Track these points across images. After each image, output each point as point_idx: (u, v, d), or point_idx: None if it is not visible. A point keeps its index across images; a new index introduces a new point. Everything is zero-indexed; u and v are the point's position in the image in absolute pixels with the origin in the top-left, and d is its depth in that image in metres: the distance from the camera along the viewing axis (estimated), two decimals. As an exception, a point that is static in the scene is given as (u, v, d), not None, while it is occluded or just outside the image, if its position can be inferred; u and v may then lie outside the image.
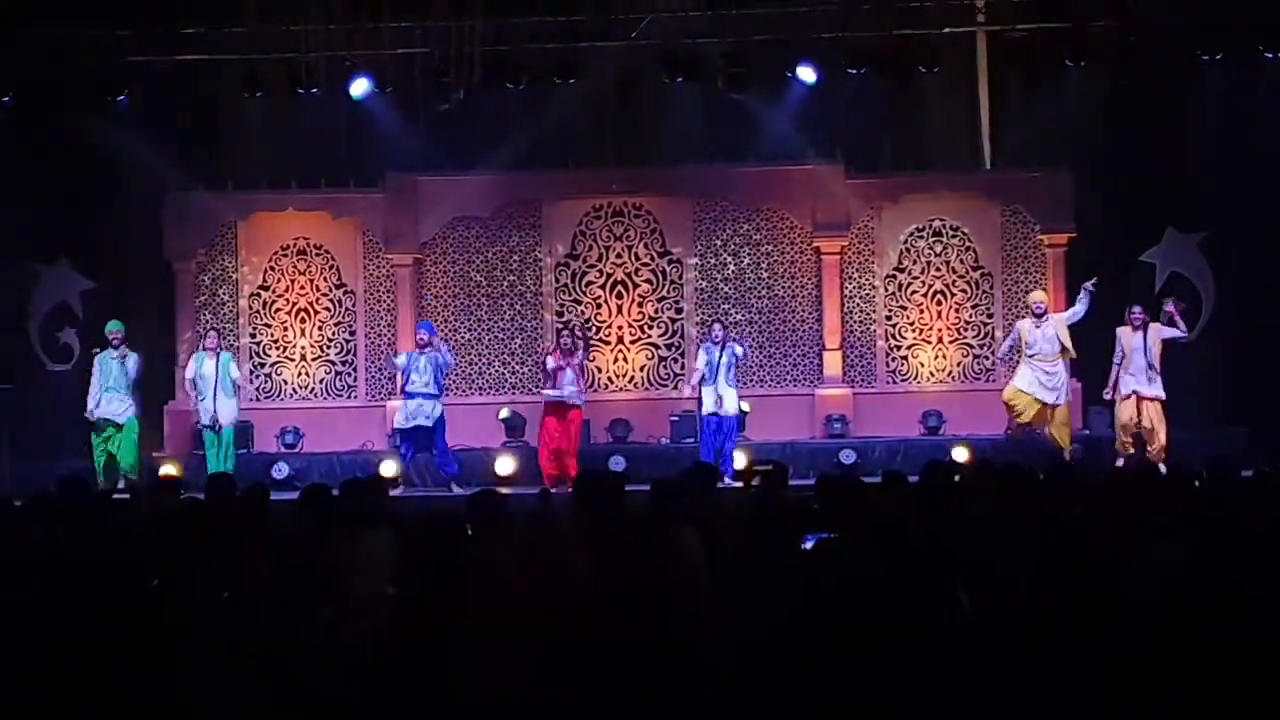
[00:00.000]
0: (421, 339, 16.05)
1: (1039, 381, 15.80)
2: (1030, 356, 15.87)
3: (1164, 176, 17.48)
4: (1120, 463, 15.27)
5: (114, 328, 16.10)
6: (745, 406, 16.47)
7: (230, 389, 16.08)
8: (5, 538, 7.32)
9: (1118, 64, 17.20)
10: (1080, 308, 15.94)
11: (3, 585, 6.08)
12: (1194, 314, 17.04)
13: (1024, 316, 16.33)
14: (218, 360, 16.10)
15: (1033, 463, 10.00)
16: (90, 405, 15.90)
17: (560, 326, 17.03)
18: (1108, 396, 15.76)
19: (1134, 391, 15.48)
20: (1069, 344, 15.89)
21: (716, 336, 16.06)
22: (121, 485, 15.37)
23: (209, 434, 16.02)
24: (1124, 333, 15.60)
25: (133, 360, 16.05)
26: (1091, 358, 16.34)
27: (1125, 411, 15.56)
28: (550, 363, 16.04)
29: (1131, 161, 17.43)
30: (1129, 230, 17.75)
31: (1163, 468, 14.76)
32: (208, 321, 17.85)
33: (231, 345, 17.40)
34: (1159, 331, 15.61)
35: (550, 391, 15.94)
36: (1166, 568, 5.68)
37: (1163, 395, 15.48)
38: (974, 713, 4.32)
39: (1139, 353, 15.48)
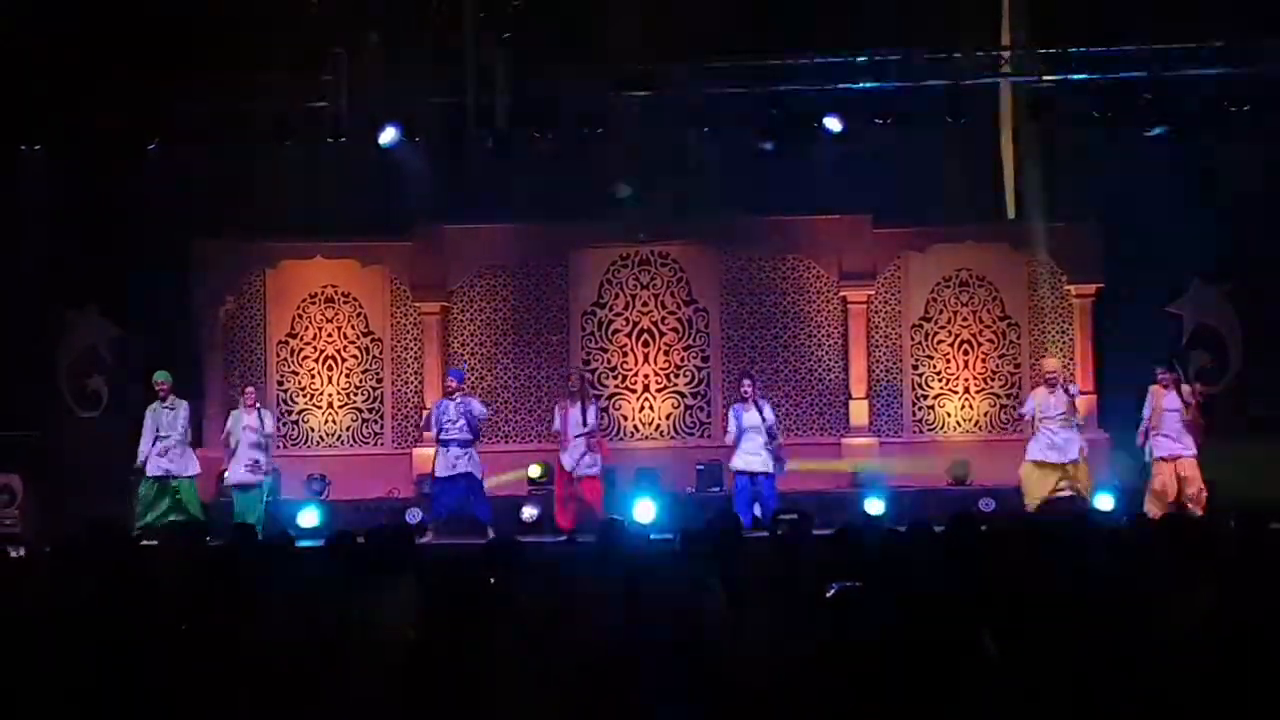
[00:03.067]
0: (450, 385, 16.05)
1: (1048, 444, 15.67)
2: (1043, 419, 15.78)
3: (1191, 227, 17.40)
4: (1155, 513, 15.14)
5: (160, 377, 15.87)
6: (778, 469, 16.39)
7: (263, 444, 16.02)
8: (34, 585, 7.34)
9: (1144, 113, 17.16)
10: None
11: (32, 632, 6.09)
12: (1220, 366, 16.97)
13: (1039, 384, 16.26)
14: (258, 414, 16.07)
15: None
16: (140, 459, 15.76)
17: (570, 373, 17.01)
18: (1139, 444, 15.63)
19: (1171, 455, 15.34)
20: (1073, 413, 15.78)
21: (746, 392, 15.95)
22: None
23: (241, 488, 15.98)
24: (1156, 392, 15.46)
25: (184, 409, 15.91)
26: (1119, 409, 16.29)
27: (1162, 477, 15.38)
28: (556, 421, 16.06)
29: (1159, 212, 17.36)
30: (1156, 281, 17.70)
31: (1199, 511, 14.73)
32: (236, 369, 17.94)
33: (259, 393, 17.39)
34: (1187, 395, 15.50)
35: (564, 458, 15.93)
36: (1194, 618, 5.65)
37: (1195, 451, 15.34)
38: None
39: (1173, 414, 15.35)
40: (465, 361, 17.92)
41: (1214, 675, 4.80)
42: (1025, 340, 17.99)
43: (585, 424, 15.81)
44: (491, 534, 15.19)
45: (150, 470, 15.68)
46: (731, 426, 15.92)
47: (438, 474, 15.83)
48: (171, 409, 15.79)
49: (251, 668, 5.79)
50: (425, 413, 16.58)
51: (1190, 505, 15.11)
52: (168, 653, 5.80)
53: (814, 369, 18.23)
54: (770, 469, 15.70)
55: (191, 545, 8.89)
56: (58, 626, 6.12)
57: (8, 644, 5.86)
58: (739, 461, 15.78)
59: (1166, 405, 15.37)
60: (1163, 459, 15.41)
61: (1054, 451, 15.63)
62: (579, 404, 15.94)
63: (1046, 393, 15.87)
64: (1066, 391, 15.76)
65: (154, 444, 15.69)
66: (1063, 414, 15.70)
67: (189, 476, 15.79)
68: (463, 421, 15.69)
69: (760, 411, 15.78)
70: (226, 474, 16.14)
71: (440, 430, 15.79)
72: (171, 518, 15.48)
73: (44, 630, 6.08)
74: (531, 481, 17.13)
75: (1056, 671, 4.67)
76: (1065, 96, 17.47)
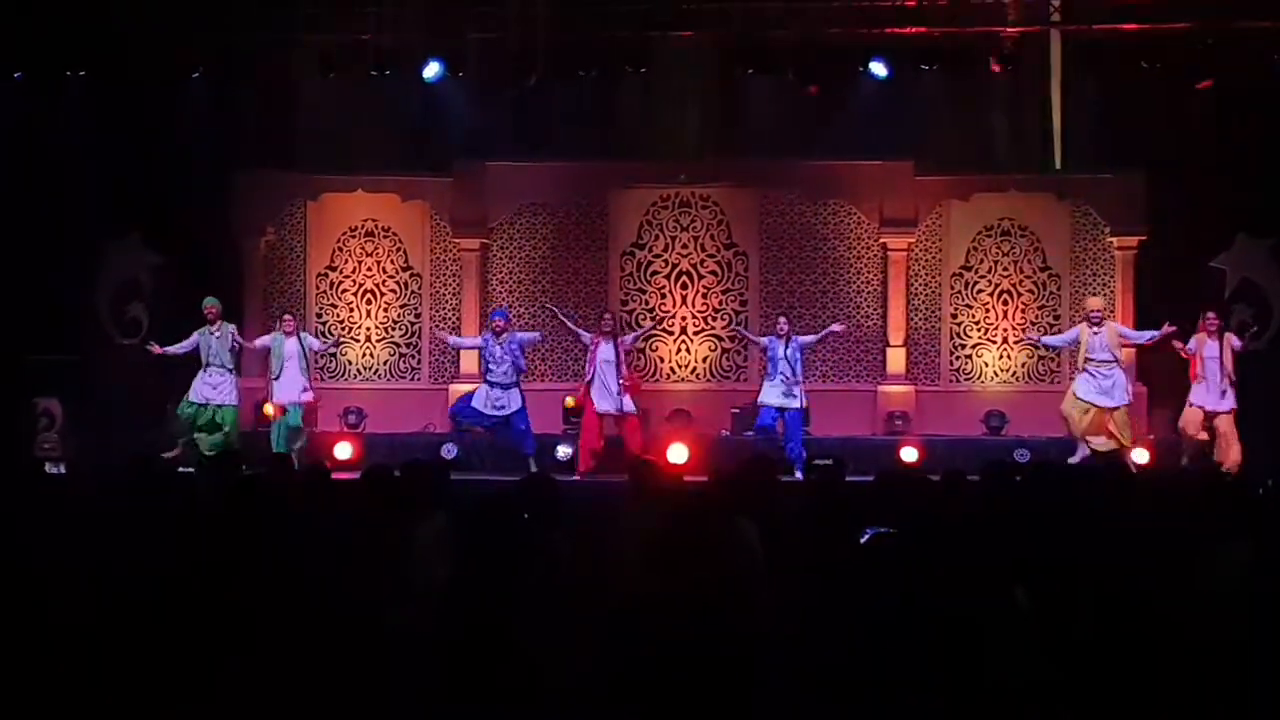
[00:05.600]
0: (498, 325, 16.03)
1: (1095, 388, 15.67)
2: (1087, 360, 15.77)
3: (1237, 181, 17.24)
4: (1184, 462, 15.16)
5: (209, 302, 16.02)
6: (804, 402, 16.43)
7: (306, 368, 16.13)
8: (72, 509, 7.40)
9: (1192, 65, 16.99)
10: (1146, 335, 15.96)
11: (70, 556, 6.15)
12: (1264, 321, 16.87)
13: (1081, 321, 16.24)
14: (298, 340, 16.16)
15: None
16: (174, 349, 15.89)
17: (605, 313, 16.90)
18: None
19: (1204, 405, 15.33)
20: (1120, 354, 15.80)
21: (782, 329, 16.00)
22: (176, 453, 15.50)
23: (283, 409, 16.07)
24: (1199, 339, 15.43)
25: (230, 334, 16.02)
26: (1159, 361, 16.25)
27: (1191, 418, 15.42)
28: (582, 334, 16.15)
29: (1204, 165, 17.21)
30: (1200, 234, 17.56)
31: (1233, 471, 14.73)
32: (275, 300, 18.00)
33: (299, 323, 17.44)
34: (1232, 340, 15.47)
35: (600, 403, 15.88)
36: (1230, 572, 5.64)
37: (1234, 406, 15.32)
38: (1027, 706, 4.31)
39: (1214, 361, 15.30)
40: (504, 301, 17.90)
41: (1250, 629, 4.79)
42: (1066, 291, 17.88)
43: (613, 359, 15.79)
44: (534, 467, 15.24)
45: (194, 396, 15.82)
46: (769, 359, 16.02)
47: (474, 404, 15.93)
48: (219, 335, 15.90)
49: (285, 599, 5.83)
50: (461, 339, 16.76)
51: (1226, 464, 15.07)
52: (202, 581, 5.84)
53: (852, 315, 18.15)
54: (798, 404, 15.76)
55: (227, 474, 8.94)
56: (99, 551, 6.17)
57: (47, 566, 5.91)
58: (767, 396, 15.87)
59: (1207, 353, 15.33)
60: (1196, 405, 15.40)
61: (1103, 396, 15.61)
62: (611, 342, 15.90)
63: (1090, 331, 15.81)
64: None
65: (203, 369, 15.82)
66: (1110, 357, 15.66)
67: (232, 405, 15.92)
68: (508, 364, 15.75)
69: (788, 345, 15.80)
70: (271, 398, 16.17)
71: (485, 371, 15.91)
72: (209, 440, 15.65)
73: (84, 554, 6.14)
74: (567, 410, 17.11)
75: (1089, 625, 4.67)
76: (1114, 46, 17.32)
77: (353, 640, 5.54)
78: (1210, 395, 15.35)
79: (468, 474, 15.69)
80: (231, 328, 16.07)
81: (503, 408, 15.77)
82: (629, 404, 15.84)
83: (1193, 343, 15.46)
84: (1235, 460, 15.13)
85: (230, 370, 15.96)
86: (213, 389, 15.84)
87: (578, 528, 6.65)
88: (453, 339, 17.00)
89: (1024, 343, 17.51)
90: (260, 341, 16.37)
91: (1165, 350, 15.73)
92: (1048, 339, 16.76)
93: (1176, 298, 16.12)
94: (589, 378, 15.88)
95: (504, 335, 15.88)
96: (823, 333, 16.47)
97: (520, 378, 15.94)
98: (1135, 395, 16.84)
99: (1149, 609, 4.78)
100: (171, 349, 15.96)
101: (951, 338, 18.17)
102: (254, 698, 5.20)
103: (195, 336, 15.91)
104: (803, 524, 7.01)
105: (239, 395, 16.06)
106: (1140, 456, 15.52)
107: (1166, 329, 15.67)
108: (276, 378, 16.08)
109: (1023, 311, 17.93)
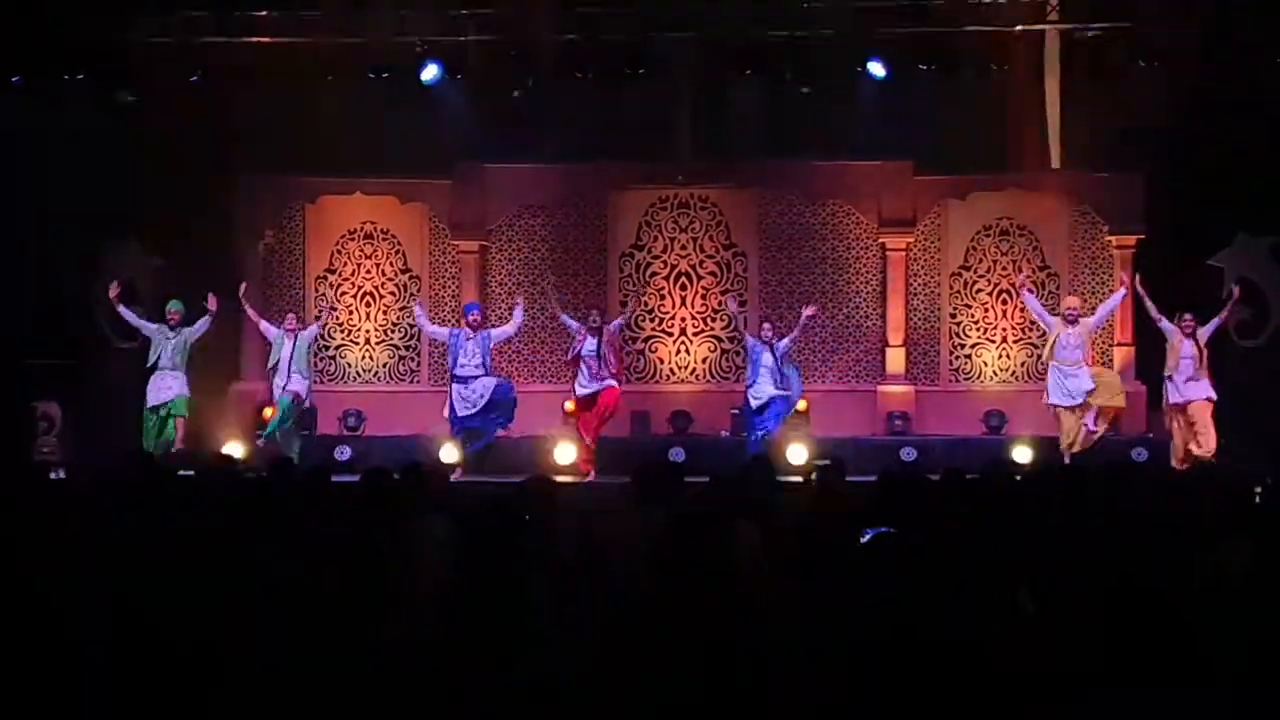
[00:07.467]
0: (475, 319, 15.96)
1: (1062, 390, 15.66)
2: (1056, 358, 15.76)
3: (1236, 180, 17.22)
4: (1177, 464, 15.16)
5: (174, 306, 16.05)
6: (800, 405, 16.35)
7: (306, 367, 16.11)
8: (72, 514, 7.39)
9: (1191, 65, 17.00)
10: (1107, 309, 16.15)
11: (70, 561, 6.14)
12: (1262, 319, 16.90)
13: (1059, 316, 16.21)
14: (295, 341, 16.11)
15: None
16: (149, 394, 15.91)
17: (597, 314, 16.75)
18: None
19: (1182, 401, 15.35)
20: (1089, 353, 15.80)
21: (766, 335, 15.92)
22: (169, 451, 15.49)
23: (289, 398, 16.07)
24: (1173, 333, 15.46)
25: (185, 336, 15.93)
26: (1158, 362, 16.27)
27: (1175, 423, 15.44)
28: (570, 322, 16.06)
29: (1203, 164, 17.18)
30: (1199, 233, 17.55)
31: (1208, 455, 14.80)
32: (275, 303, 17.96)
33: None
34: (1206, 332, 15.47)
35: (579, 389, 15.88)
36: (1232, 571, 5.64)
37: (1211, 395, 15.32)
38: (1030, 708, 4.30)
39: (1188, 360, 15.34)
40: (503, 304, 17.88)
41: (1254, 629, 4.79)
42: (1064, 290, 17.86)
43: (595, 351, 15.76)
44: (501, 432, 15.42)
45: (150, 400, 15.81)
46: (750, 362, 15.95)
47: (458, 414, 15.79)
48: (174, 340, 15.85)
49: (286, 602, 5.82)
50: (430, 326, 16.58)
51: (1198, 451, 15.05)
52: (202, 584, 5.84)
53: (851, 315, 18.18)
54: (780, 392, 15.68)
55: (227, 477, 8.94)
56: (98, 555, 6.17)
57: (47, 571, 5.91)
58: (752, 398, 15.77)
59: (1184, 353, 15.35)
60: (1175, 405, 15.42)
61: (1068, 397, 15.62)
62: (595, 338, 15.83)
63: (1064, 329, 15.79)
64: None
65: (155, 373, 15.82)
66: (1078, 358, 15.67)
67: (183, 396, 15.85)
68: (478, 359, 15.66)
69: (774, 353, 15.72)
70: (277, 393, 16.14)
71: (453, 364, 15.80)
72: (161, 439, 15.64)
73: (84, 558, 6.13)
74: (567, 414, 17.07)
75: (1095, 630, 4.66)
76: (1110, 44, 17.33)
77: (353, 645, 5.54)
78: (1183, 386, 15.35)
79: (469, 476, 15.65)
80: (189, 330, 15.94)
81: (482, 395, 15.68)
82: (602, 379, 15.79)
83: (1168, 328, 15.46)
84: (1210, 448, 15.11)
85: (182, 372, 15.92)
86: (164, 390, 15.82)
87: (578, 529, 6.65)
88: (423, 320, 16.67)
89: (1020, 285, 17.18)
90: (266, 326, 16.29)
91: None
92: (1031, 299, 16.51)
93: (1176, 298, 16.08)
94: (572, 362, 15.86)
95: (479, 331, 15.82)
96: (799, 324, 16.24)
97: (488, 372, 15.82)
98: (1135, 394, 16.84)
99: (1151, 608, 4.77)
100: (128, 314, 15.99)
101: (951, 337, 18.17)
102: (254, 704, 5.20)
103: (153, 329, 15.90)
104: (803, 525, 7.01)
105: (188, 387, 15.95)
106: (1138, 457, 15.51)
107: (1120, 292, 15.95)
108: (273, 369, 16.07)
109: (1022, 310, 17.90)
